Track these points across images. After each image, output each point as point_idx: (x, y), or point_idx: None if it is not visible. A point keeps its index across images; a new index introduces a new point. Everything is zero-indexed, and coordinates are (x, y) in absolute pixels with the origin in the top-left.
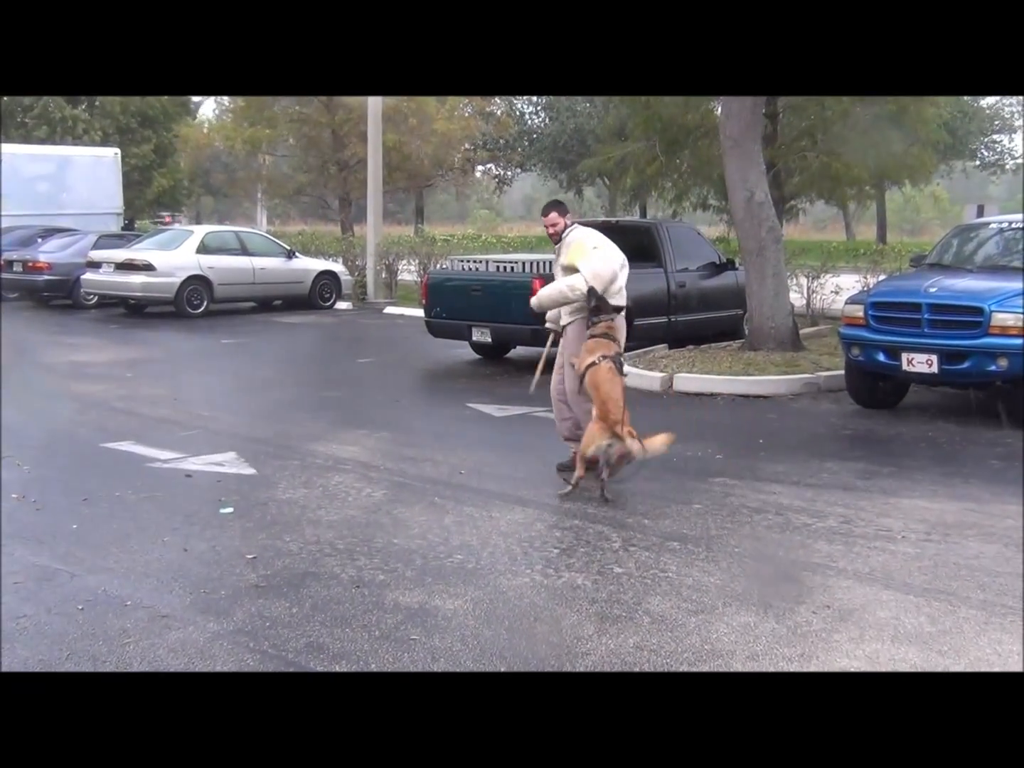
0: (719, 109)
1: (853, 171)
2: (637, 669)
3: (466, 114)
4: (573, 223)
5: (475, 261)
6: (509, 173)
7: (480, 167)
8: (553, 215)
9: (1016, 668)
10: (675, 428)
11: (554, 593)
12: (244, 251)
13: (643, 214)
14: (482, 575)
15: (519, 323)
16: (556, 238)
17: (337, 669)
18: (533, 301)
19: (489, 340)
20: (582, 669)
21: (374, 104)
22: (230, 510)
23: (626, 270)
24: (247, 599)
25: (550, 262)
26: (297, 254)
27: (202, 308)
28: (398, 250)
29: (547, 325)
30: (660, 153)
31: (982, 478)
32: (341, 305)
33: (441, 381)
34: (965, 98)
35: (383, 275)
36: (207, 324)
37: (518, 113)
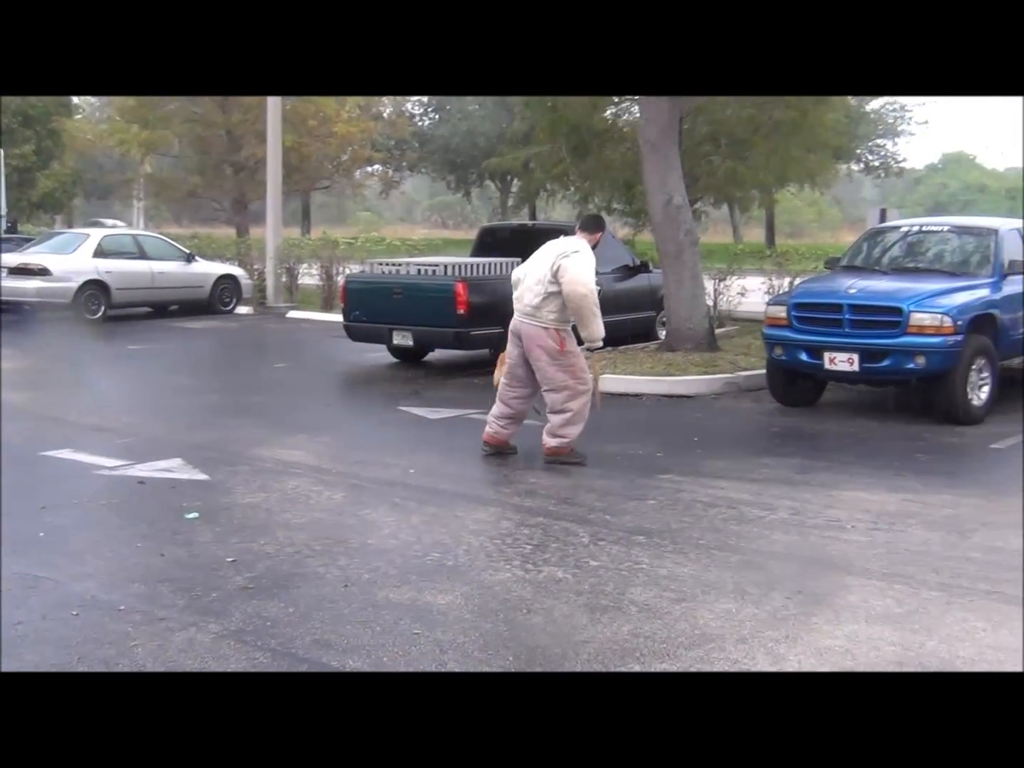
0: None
1: (758, 175)
2: (637, 654)
3: (354, 115)
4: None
5: (395, 264)
6: (398, 175)
7: (369, 168)
8: None
9: (984, 645)
10: (611, 428)
11: (538, 587)
12: (142, 255)
13: (532, 217)
14: (463, 571)
15: (442, 326)
16: None
17: (350, 663)
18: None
19: (410, 343)
20: (585, 656)
21: (274, 104)
22: (196, 515)
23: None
24: (240, 600)
25: (472, 265)
26: (196, 258)
27: (99, 314)
28: (299, 253)
29: (597, 346)
30: (566, 155)
31: (912, 471)
32: (242, 310)
33: (364, 385)
34: (852, 102)
35: (283, 279)
36: (107, 330)
37: (408, 114)
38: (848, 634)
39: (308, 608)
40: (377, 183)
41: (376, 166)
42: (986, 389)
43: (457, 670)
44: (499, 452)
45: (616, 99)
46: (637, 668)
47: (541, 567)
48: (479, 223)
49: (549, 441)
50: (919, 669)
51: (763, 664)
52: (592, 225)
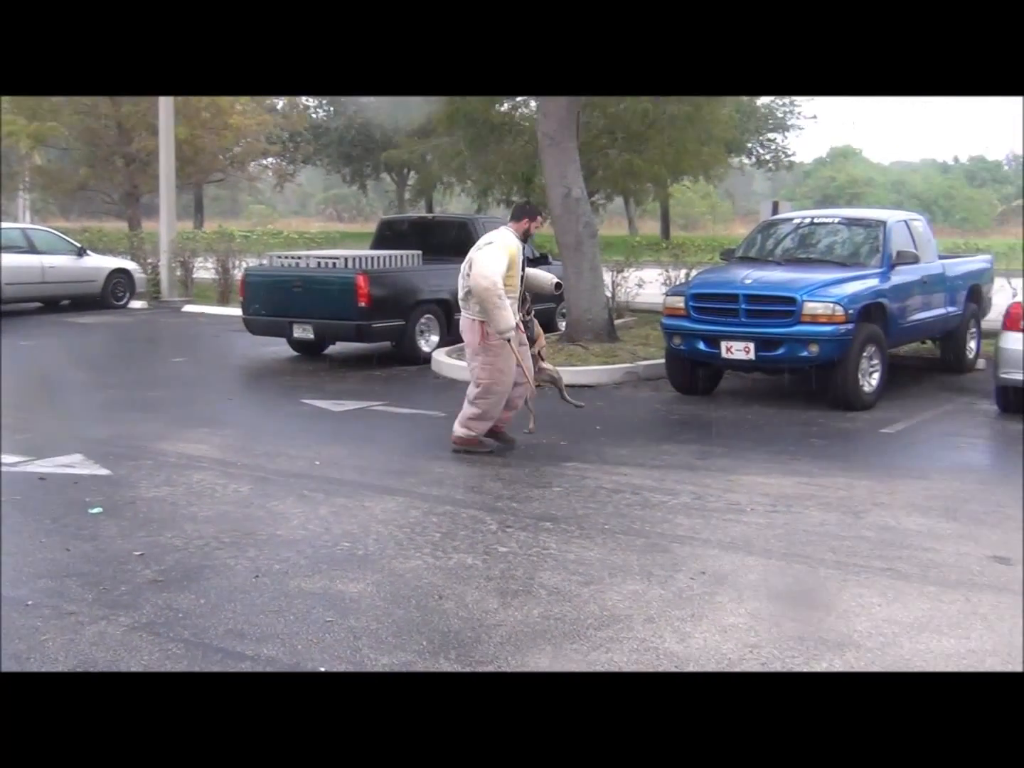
0: (527, 107)
1: (654, 168)
2: (548, 636)
3: (249, 107)
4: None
5: (295, 257)
6: (292, 167)
7: (263, 161)
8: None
9: (879, 619)
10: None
11: (449, 573)
12: (32, 249)
13: (429, 210)
14: (374, 560)
15: (343, 319)
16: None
17: (264, 652)
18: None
19: (311, 336)
20: (497, 639)
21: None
22: (99, 510)
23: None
24: (150, 593)
25: (373, 258)
26: (88, 252)
27: None
28: (194, 247)
29: (508, 336)
30: (464, 148)
31: (807, 455)
32: (135, 304)
33: (265, 378)
34: (743, 97)
35: (178, 272)
36: None
37: (302, 106)
38: (751, 611)
39: (219, 599)
40: (271, 176)
41: (270, 159)
42: (876, 376)
43: (372, 656)
44: (501, 441)
45: None
46: (549, 649)
47: (451, 554)
48: (375, 216)
49: (458, 430)
50: (817, 643)
51: (670, 642)
52: (518, 213)
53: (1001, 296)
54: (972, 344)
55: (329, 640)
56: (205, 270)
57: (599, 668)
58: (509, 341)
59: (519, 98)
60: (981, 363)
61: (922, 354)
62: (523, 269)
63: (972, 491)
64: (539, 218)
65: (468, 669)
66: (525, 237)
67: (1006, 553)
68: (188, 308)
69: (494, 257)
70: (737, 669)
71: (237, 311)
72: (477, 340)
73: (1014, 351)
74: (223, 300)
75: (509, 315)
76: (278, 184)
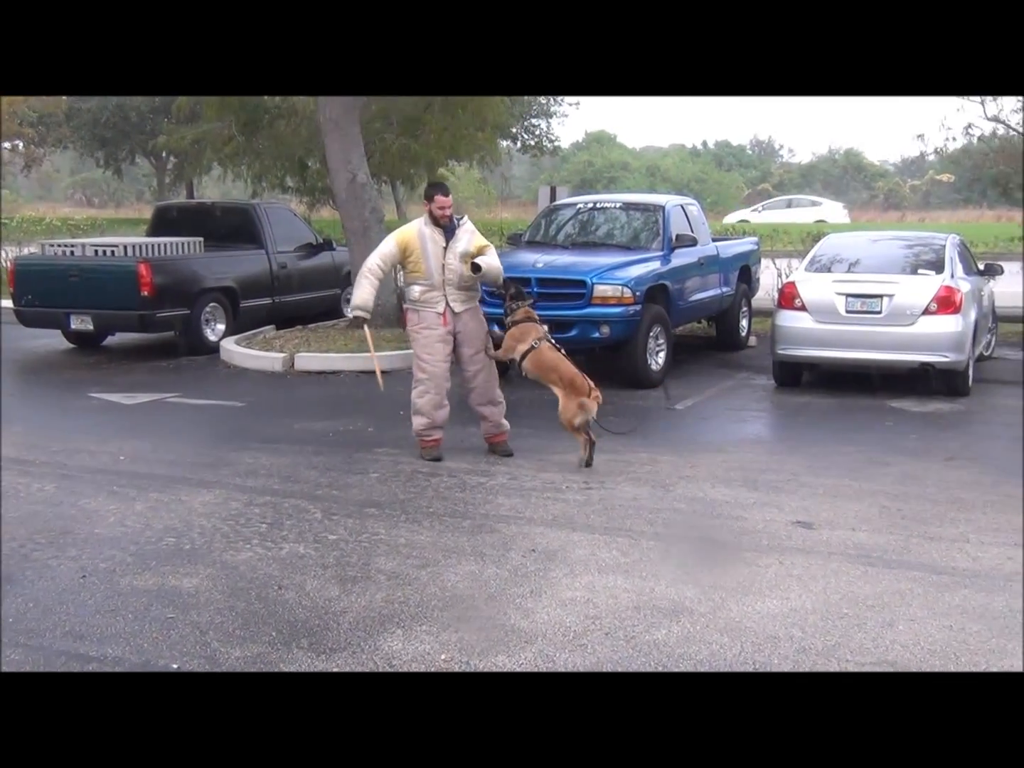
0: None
1: (430, 152)
2: (396, 619)
3: None
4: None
5: (70, 246)
6: (43, 151)
7: (7, 144)
8: (449, 198)
9: (706, 586)
10: (316, 405)
11: (284, 563)
12: None
13: (190, 195)
14: (203, 554)
15: (125, 308)
16: (448, 221)
17: (110, 652)
18: (489, 270)
19: (91, 328)
20: (347, 625)
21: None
22: None
23: None
24: None
25: (154, 245)
26: None
27: None
28: None
29: (356, 313)
30: (236, 133)
31: (607, 434)
32: None
33: (44, 373)
34: None
35: None
36: None
37: None
38: (586, 585)
39: (49, 601)
40: (21, 159)
41: (17, 142)
42: (662, 355)
43: (224, 649)
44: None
45: None
46: (399, 632)
47: (281, 544)
48: (128, 202)
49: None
50: (653, 611)
51: (516, 619)
52: (426, 193)
53: (766, 276)
54: (744, 322)
55: (175, 637)
56: None
57: (452, 647)
58: (362, 324)
59: None
60: (753, 340)
61: (698, 333)
62: (448, 255)
63: (766, 462)
64: (438, 197)
65: (323, 657)
66: (435, 220)
67: (806, 519)
68: None
69: (384, 241)
70: (583, 641)
71: (6, 303)
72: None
73: (789, 328)
74: None
75: (361, 292)
76: (25, 168)
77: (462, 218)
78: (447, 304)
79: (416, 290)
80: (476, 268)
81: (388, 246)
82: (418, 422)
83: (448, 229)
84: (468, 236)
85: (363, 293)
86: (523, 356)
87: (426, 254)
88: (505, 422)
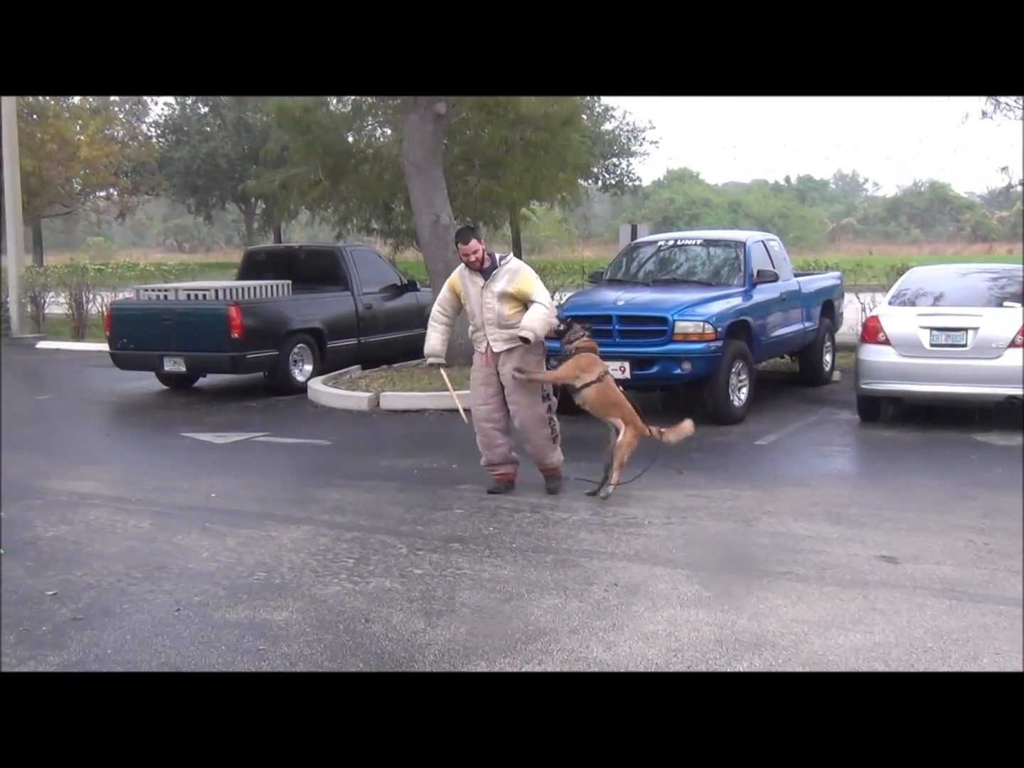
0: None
1: (512, 193)
2: (480, 652)
3: (94, 139)
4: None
5: (163, 290)
6: (137, 199)
7: (103, 193)
8: (474, 243)
9: (788, 620)
10: (401, 443)
11: (370, 597)
12: None
13: (278, 239)
14: (292, 588)
15: (216, 351)
16: (479, 264)
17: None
18: (530, 333)
19: (183, 369)
20: (431, 658)
21: (8, 126)
22: (2, 551)
23: None
24: (73, 631)
25: (244, 289)
26: None
27: None
28: (45, 281)
29: (429, 361)
30: (323, 177)
31: (693, 469)
32: None
33: (139, 413)
34: (587, 124)
35: (28, 308)
36: None
37: (142, 136)
38: (668, 618)
39: (145, 634)
40: (116, 208)
41: (112, 190)
42: (744, 390)
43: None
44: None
45: (369, 120)
46: (483, 664)
47: (368, 579)
48: (218, 247)
49: None
50: (735, 644)
51: (598, 651)
52: (456, 239)
53: (850, 311)
54: (827, 357)
55: (266, 668)
56: (56, 305)
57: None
58: (438, 368)
59: (366, 129)
60: (836, 375)
61: (780, 369)
62: (499, 295)
63: (849, 496)
64: (459, 246)
65: None
66: (469, 264)
67: (890, 553)
68: (42, 344)
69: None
70: (664, 672)
71: (94, 346)
72: None
73: (873, 362)
74: (78, 335)
75: (428, 339)
76: (120, 216)
77: (504, 257)
78: (487, 344)
79: (469, 330)
80: (525, 341)
81: (443, 291)
82: (486, 455)
83: (485, 271)
84: (508, 276)
85: (429, 340)
86: (584, 385)
87: (468, 295)
88: (554, 458)
